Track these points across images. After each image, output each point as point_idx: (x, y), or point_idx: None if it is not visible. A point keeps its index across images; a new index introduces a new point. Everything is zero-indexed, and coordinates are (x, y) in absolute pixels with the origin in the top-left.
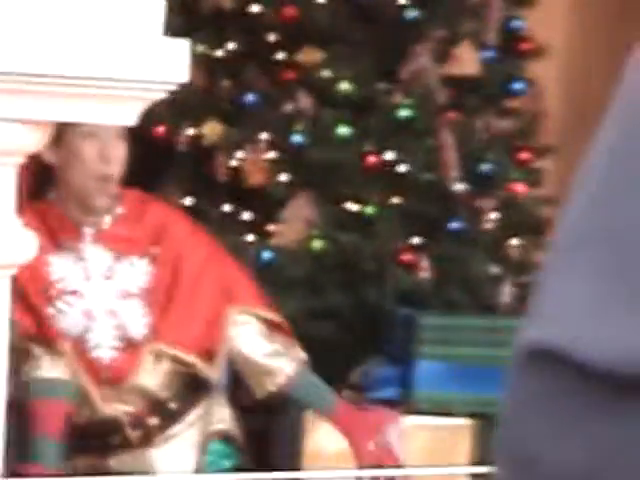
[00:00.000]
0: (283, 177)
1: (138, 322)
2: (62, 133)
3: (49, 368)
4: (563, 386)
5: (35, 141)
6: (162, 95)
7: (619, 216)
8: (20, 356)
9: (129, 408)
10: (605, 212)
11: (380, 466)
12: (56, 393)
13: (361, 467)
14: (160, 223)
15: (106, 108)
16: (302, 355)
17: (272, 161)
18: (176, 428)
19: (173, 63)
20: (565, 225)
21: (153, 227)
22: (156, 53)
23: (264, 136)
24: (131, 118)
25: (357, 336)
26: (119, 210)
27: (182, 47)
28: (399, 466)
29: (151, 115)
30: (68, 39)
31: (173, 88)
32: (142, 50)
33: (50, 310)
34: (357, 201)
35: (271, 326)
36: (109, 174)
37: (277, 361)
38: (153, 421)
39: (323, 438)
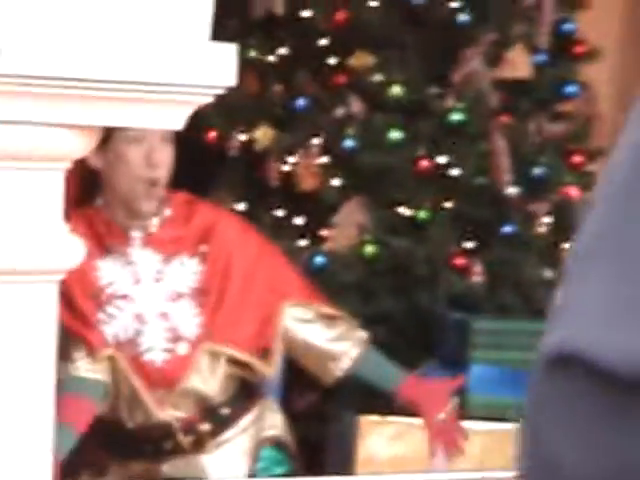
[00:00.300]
0: (335, 182)
1: (190, 323)
2: (108, 138)
3: (86, 370)
4: (583, 390)
5: (82, 146)
6: (209, 99)
7: (637, 224)
8: (60, 359)
9: (182, 413)
10: (624, 221)
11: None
12: (86, 391)
13: (432, 440)
14: (209, 222)
15: (153, 112)
16: (364, 335)
17: (324, 166)
18: (228, 434)
19: (220, 67)
20: (586, 233)
21: (202, 227)
22: (203, 57)
23: (316, 141)
24: (178, 122)
25: (410, 341)
26: (167, 212)
27: (229, 51)
28: (463, 439)
29: (203, 120)
30: (115, 44)
31: (220, 92)
32: (189, 54)
33: (100, 315)
34: (409, 205)
35: (329, 318)
36: (155, 178)
37: (340, 345)
38: (205, 426)
39: (376, 444)
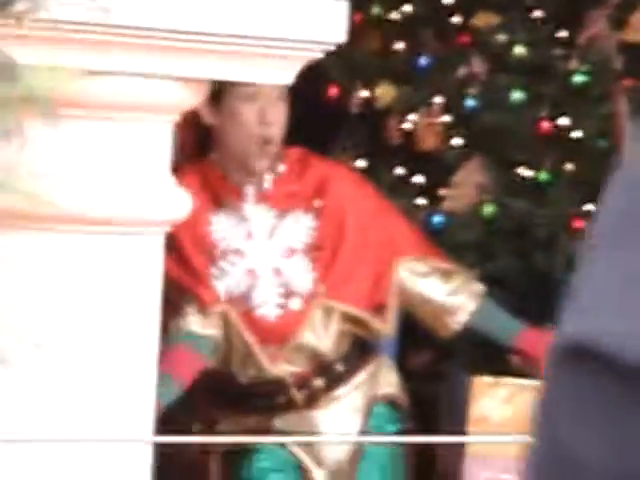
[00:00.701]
0: (456, 141)
1: (304, 278)
2: (221, 95)
3: (197, 325)
4: (596, 383)
5: (191, 99)
6: (319, 55)
7: None
8: (171, 313)
9: (295, 368)
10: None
11: None
12: (195, 345)
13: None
14: (323, 177)
15: (262, 67)
16: (481, 288)
17: (445, 125)
18: (341, 390)
19: (330, 23)
20: (602, 222)
21: (316, 182)
22: (313, 13)
23: (437, 100)
24: (288, 77)
25: (527, 303)
26: (281, 168)
27: (340, 7)
28: None
29: (325, 76)
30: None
31: (330, 48)
32: (299, 9)
33: (212, 270)
34: (530, 167)
35: (445, 271)
36: (269, 136)
37: (457, 298)
38: (318, 382)
39: (488, 405)
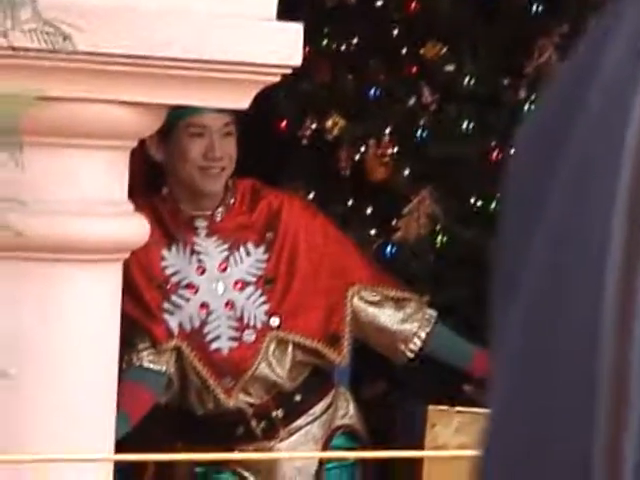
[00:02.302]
0: (406, 172)
1: (257, 311)
2: (169, 131)
3: (149, 361)
4: None
5: (148, 125)
6: (276, 79)
7: None
8: (124, 348)
9: (253, 400)
10: None
11: None
12: (147, 381)
13: None
14: (274, 209)
15: (219, 91)
16: (433, 314)
17: (395, 156)
18: (300, 421)
19: (287, 46)
20: None
21: (267, 213)
22: (270, 36)
23: (387, 130)
24: (244, 102)
25: (479, 331)
26: (232, 201)
27: (296, 30)
28: None
29: (275, 108)
30: (180, 22)
31: (287, 72)
32: (256, 33)
33: (165, 305)
34: (480, 196)
35: (397, 299)
36: (216, 172)
37: (410, 326)
38: (277, 413)
39: (444, 433)
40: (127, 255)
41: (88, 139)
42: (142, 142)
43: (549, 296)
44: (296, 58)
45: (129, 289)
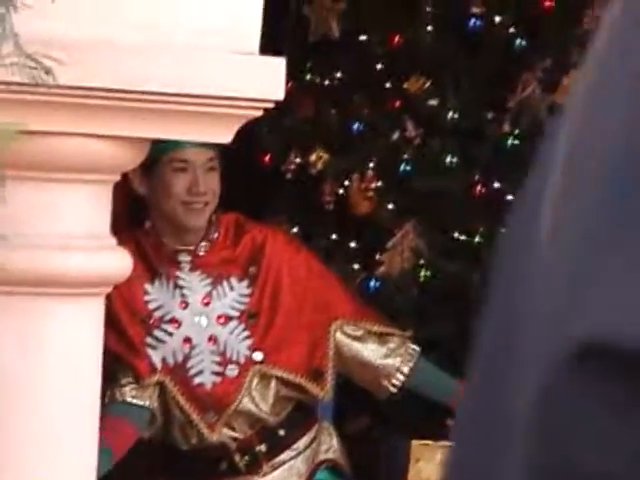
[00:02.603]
0: (390, 206)
1: (240, 345)
2: (152, 166)
3: (131, 396)
4: (623, 386)
5: (131, 158)
6: (258, 113)
7: None
8: (106, 383)
9: (236, 434)
10: None
11: None
12: (129, 416)
13: None
14: (258, 243)
15: (202, 125)
16: (416, 349)
17: (379, 190)
18: (284, 455)
19: (269, 81)
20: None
21: (251, 248)
22: (252, 70)
23: (371, 165)
24: (227, 136)
25: (462, 366)
26: (215, 235)
27: (278, 65)
28: None
29: (258, 143)
30: (161, 55)
31: (269, 106)
32: (238, 67)
33: (148, 340)
34: (464, 230)
35: (381, 334)
36: (200, 207)
37: (393, 360)
38: (261, 448)
39: (427, 468)
40: (110, 289)
41: (70, 173)
42: (125, 176)
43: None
44: (278, 92)
45: (112, 323)
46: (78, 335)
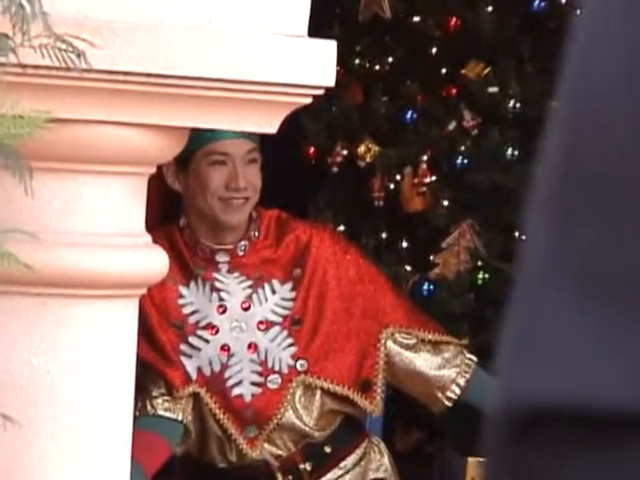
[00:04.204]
0: (445, 202)
1: (282, 354)
2: (188, 159)
3: (164, 409)
4: (579, 447)
5: (168, 149)
6: (307, 100)
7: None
8: (137, 394)
9: (279, 451)
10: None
11: None
12: (161, 431)
13: None
14: (302, 242)
15: (246, 114)
16: (473, 358)
17: (433, 185)
18: (330, 474)
19: (319, 65)
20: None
21: (295, 248)
22: (301, 55)
23: (424, 157)
24: (273, 125)
25: None
26: (256, 234)
27: (329, 48)
28: None
29: (302, 134)
30: (203, 38)
31: (319, 92)
32: (286, 51)
33: (182, 347)
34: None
35: (435, 343)
36: (239, 203)
37: (448, 372)
38: (305, 466)
39: None
40: (144, 291)
41: (101, 165)
42: (159, 169)
43: None
44: (329, 78)
45: (143, 329)
46: (111, 341)
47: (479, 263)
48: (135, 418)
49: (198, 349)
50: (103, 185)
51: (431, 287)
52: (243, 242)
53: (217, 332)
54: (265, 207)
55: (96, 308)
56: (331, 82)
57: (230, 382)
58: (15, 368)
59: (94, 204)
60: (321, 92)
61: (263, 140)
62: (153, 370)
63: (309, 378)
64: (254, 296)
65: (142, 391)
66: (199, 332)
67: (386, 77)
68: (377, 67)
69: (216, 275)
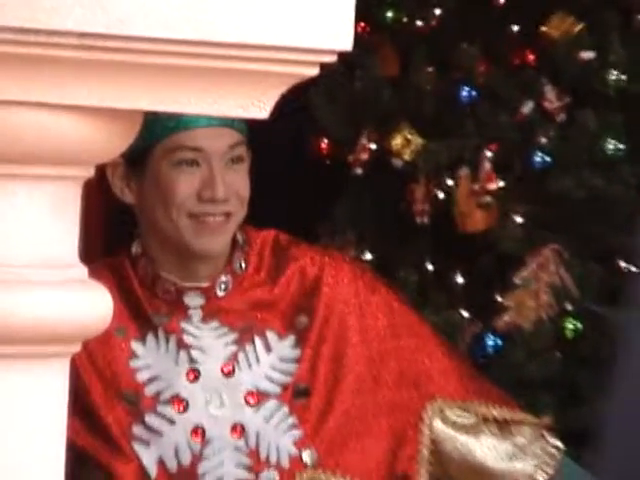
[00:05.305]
0: (518, 218)
1: (282, 440)
2: (145, 159)
3: None
4: None
5: (110, 144)
6: (312, 71)
7: None
8: None
9: None
10: None
11: None
12: None
13: None
14: (311, 277)
15: (224, 91)
16: (559, 445)
17: (500, 193)
18: None
19: (328, 21)
20: None
21: (299, 285)
22: (302, 4)
23: (488, 153)
24: (262, 108)
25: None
26: (242, 265)
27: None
28: None
29: (312, 121)
30: None
31: (330, 60)
32: (281, 4)
33: (135, 430)
34: (631, 256)
35: (503, 422)
36: (218, 221)
37: (521, 464)
38: None
39: None
40: (77, 348)
41: (14, 166)
42: (100, 172)
43: None
44: (345, 39)
45: (77, 404)
46: (28, 421)
47: (568, 307)
48: None
49: (159, 433)
50: (16, 195)
51: (498, 342)
52: (224, 277)
53: (186, 408)
54: (256, 226)
55: (4, 374)
56: (348, 45)
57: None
58: None
59: (4, 223)
60: (333, 59)
61: (253, 129)
62: (93, 464)
63: (320, 475)
64: (240, 356)
65: None
66: (160, 408)
67: (432, 38)
68: (419, 23)
69: (185, 325)
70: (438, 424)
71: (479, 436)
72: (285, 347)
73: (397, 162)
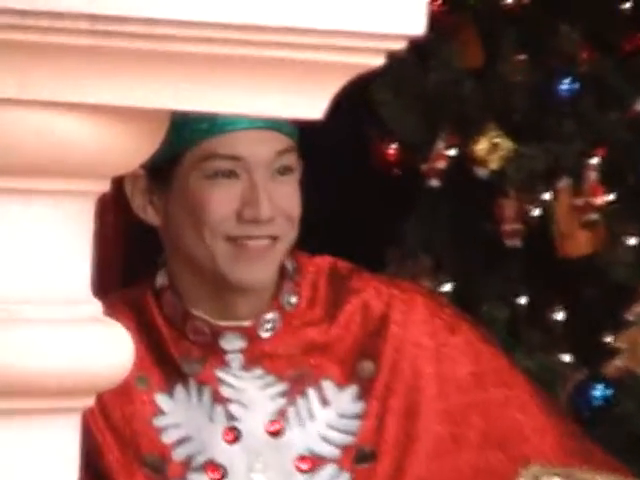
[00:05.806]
0: (632, 240)
1: None
2: (173, 173)
3: None
4: None
5: (135, 151)
6: (377, 61)
7: None
8: None
9: None
10: None
11: None
12: None
13: None
14: (377, 314)
15: (273, 87)
16: None
17: (612, 209)
18: None
19: (399, 5)
20: None
21: (362, 324)
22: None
23: (594, 160)
24: (317, 107)
25: None
26: (293, 300)
27: None
28: None
29: (376, 123)
30: None
31: (399, 47)
32: None
33: None
34: None
35: None
36: (261, 246)
37: None
38: None
39: None
40: (90, 402)
41: (13, 178)
42: (118, 186)
43: None
44: (417, 22)
45: (90, 468)
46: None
47: None
48: None
49: None
50: (17, 214)
51: (608, 391)
52: (269, 315)
53: (224, 476)
54: (310, 252)
55: (2, 433)
56: (421, 28)
57: None
58: None
59: (2, 247)
60: (403, 45)
61: (304, 133)
62: None
63: None
64: (290, 411)
65: None
66: (192, 476)
67: (524, 19)
68: (508, 0)
69: (221, 374)
70: None
71: None
72: (345, 400)
73: (482, 172)
